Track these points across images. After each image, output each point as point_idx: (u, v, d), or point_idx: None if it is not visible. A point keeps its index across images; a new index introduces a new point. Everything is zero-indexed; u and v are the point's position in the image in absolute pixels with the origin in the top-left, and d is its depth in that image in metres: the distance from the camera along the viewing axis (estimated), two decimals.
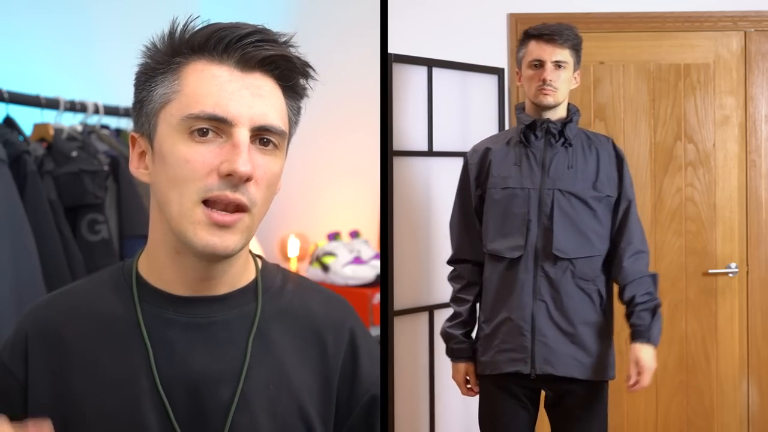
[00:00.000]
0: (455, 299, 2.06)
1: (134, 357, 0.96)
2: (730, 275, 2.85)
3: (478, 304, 2.05)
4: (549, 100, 1.92)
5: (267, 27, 0.95)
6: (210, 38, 0.92)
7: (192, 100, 0.90)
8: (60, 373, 0.96)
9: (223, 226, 0.89)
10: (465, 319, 2.03)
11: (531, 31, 1.98)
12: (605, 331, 1.95)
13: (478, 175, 2.02)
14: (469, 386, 2.04)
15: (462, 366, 2.03)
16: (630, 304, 1.93)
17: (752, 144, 2.84)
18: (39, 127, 2.34)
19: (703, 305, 2.86)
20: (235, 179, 0.88)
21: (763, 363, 2.87)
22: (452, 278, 2.09)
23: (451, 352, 2.06)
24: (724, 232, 2.85)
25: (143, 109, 0.95)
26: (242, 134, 0.89)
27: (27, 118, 2.33)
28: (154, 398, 0.94)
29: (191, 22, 0.94)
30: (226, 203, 0.90)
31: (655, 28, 2.83)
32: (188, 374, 0.95)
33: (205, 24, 0.94)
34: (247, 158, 0.89)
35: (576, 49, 1.96)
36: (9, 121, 2.22)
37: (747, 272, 2.86)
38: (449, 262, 2.11)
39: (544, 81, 1.91)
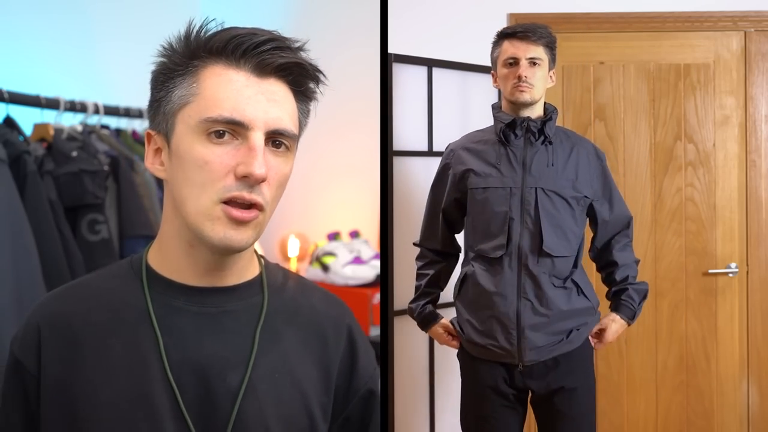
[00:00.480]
0: (417, 276, 2.15)
1: (145, 344, 0.99)
2: (730, 275, 2.85)
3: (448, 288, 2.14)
4: (526, 96, 1.92)
5: (281, 33, 0.99)
6: (228, 43, 0.95)
7: (210, 104, 0.94)
8: (72, 362, 0.99)
9: (240, 223, 0.94)
10: (423, 291, 2.11)
11: (504, 31, 1.99)
12: (588, 312, 1.98)
13: (453, 176, 2.04)
14: (452, 337, 2.08)
15: (437, 329, 2.08)
16: (623, 282, 2.05)
17: (752, 144, 2.85)
18: (39, 127, 2.35)
19: (703, 305, 2.86)
20: (251, 181, 0.93)
21: (763, 363, 2.87)
22: (417, 258, 2.18)
23: (421, 323, 2.11)
24: (724, 232, 2.85)
25: (161, 108, 0.98)
26: (258, 138, 0.94)
27: (27, 118, 2.33)
28: (165, 384, 0.97)
29: (207, 24, 0.97)
30: (243, 203, 0.94)
31: (655, 28, 2.83)
32: (198, 361, 0.99)
33: (220, 27, 0.98)
34: (263, 161, 0.93)
35: (550, 47, 1.97)
36: (9, 121, 2.22)
37: (747, 272, 2.86)
38: (416, 243, 2.19)
39: (519, 78, 1.92)
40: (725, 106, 2.84)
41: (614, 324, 2.02)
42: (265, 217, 0.98)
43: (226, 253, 0.98)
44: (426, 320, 2.10)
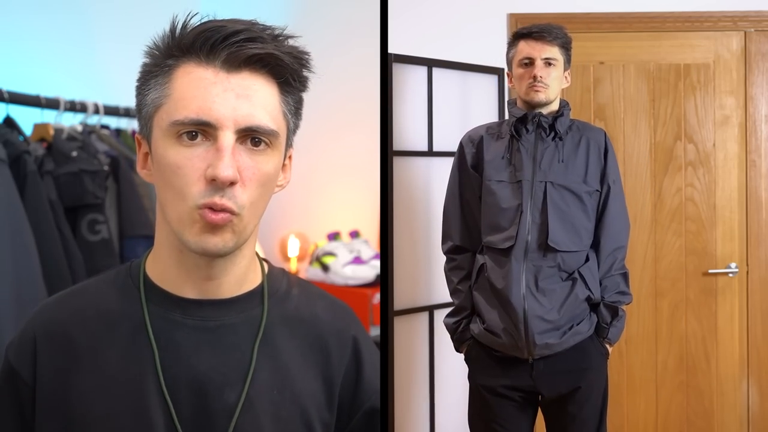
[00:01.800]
0: (456, 291, 2.05)
1: (141, 357, 0.96)
2: (730, 275, 2.85)
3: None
4: (540, 96, 1.93)
5: (258, 22, 0.94)
6: (197, 39, 0.90)
7: (179, 105, 0.90)
8: (68, 373, 0.97)
9: (214, 226, 0.90)
10: (470, 311, 2.02)
11: (520, 31, 1.99)
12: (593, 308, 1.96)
13: (475, 163, 2.03)
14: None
15: (465, 343, 2.04)
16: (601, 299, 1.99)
17: (752, 144, 2.84)
18: (39, 127, 2.35)
19: (703, 305, 2.86)
20: (218, 183, 0.88)
21: (763, 363, 2.87)
22: (451, 269, 2.07)
23: (459, 342, 2.04)
24: (724, 232, 2.85)
25: (141, 112, 0.96)
26: (226, 137, 0.89)
27: (27, 118, 2.33)
28: (160, 399, 0.95)
29: (190, 19, 0.93)
30: (215, 209, 0.90)
31: (655, 28, 2.83)
32: (194, 376, 0.96)
33: (200, 22, 0.93)
34: (230, 162, 0.88)
35: (566, 47, 1.97)
36: (9, 121, 2.22)
37: (747, 272, 2.86)
38: (448, 252, 2.09)
39: (534, 78, 1.92)
40: (725, 106, 2.84)
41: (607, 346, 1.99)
42: (244, 222, 0.92)
43: (207, 256, 0.94)
44: (462, 338, 2.04)
